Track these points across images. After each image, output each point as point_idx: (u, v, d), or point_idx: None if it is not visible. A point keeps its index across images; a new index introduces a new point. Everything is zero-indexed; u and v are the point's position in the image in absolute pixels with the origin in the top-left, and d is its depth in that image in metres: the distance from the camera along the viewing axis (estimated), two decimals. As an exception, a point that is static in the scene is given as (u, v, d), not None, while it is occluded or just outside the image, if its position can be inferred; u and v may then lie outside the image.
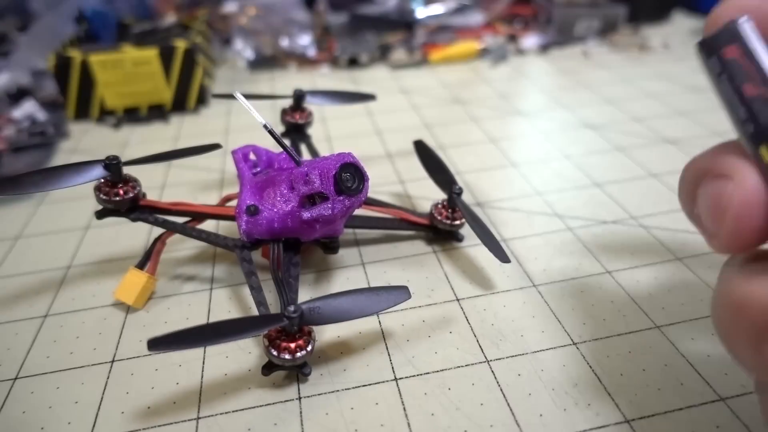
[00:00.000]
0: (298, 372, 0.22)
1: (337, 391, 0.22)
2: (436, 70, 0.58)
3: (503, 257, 0.26)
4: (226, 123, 0.48)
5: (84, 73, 0.47)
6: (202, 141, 0.30)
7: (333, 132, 0.45)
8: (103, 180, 0.26)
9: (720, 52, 0.14)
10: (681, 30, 0.67)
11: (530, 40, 0.62)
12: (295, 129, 0.34)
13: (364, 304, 0.22)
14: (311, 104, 0.35)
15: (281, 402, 0.22)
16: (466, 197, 0.33)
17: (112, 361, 0.24)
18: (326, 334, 0.25)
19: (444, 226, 0.29)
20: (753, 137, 0.14)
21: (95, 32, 0.54)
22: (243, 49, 0.61)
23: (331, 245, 0.28)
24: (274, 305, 0.26)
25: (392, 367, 0.23)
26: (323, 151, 0.38)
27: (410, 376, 0.22)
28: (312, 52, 0.61)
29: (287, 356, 0.21)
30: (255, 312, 0.25)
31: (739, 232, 0.14)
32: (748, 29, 0.14)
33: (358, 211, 0.29)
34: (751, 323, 0.14)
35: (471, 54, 0.60)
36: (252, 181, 0.27)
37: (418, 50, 0.60)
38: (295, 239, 0.26)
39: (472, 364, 0.23)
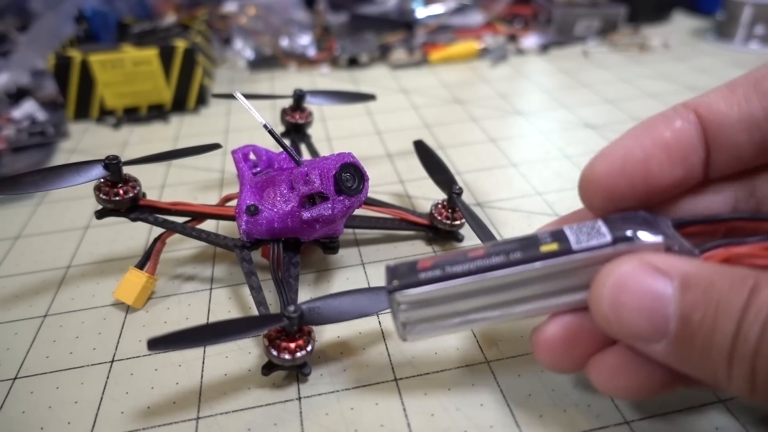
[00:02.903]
0: (298, 372, 0.22)
1: (337, 391, 0.22)
2: (436, 70, 0.58)
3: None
4: (226, 123, 0.48)
5: (84, 73, 0.47)
6: (202, 141, 0.30)
7: (333, 132, 0.45)
8: (102, 180, 0.26)
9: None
10: (681, 30, 0.67)
11: (530, 40, 0.62)
12: (295, 129, 0.34)
13: (364, 304, 0.22)
14: (311, 104, 0.35)
15: (281, 402, 0.22)
16: (466, 197, 0.33)
17: (112, 361, 0.24)
18: (326, 334, 0.25)
19: (444, 226, 0.29)
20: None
21: (95, 32, 0.54)
22: (243, 49, 0.61)
23: (331, 245, 0.28)
24: (274, 305, 0.26)
25: (392, 367, 0.23)
26: (323, 151, 0.38)
27: (410, 376, 0.22)
28: (312, 52, 0.61)
29: (287, 356, 0.21)
30: (255, 312, 0.24)
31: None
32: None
33: (358, 211, 0.29)
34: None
35: (471, 54, 0.60)
36: (252, 181, 0.27)
37: (418, 50, 0.60)
38: (295, 239, 0.26)
39: (472, 365, 0.23)
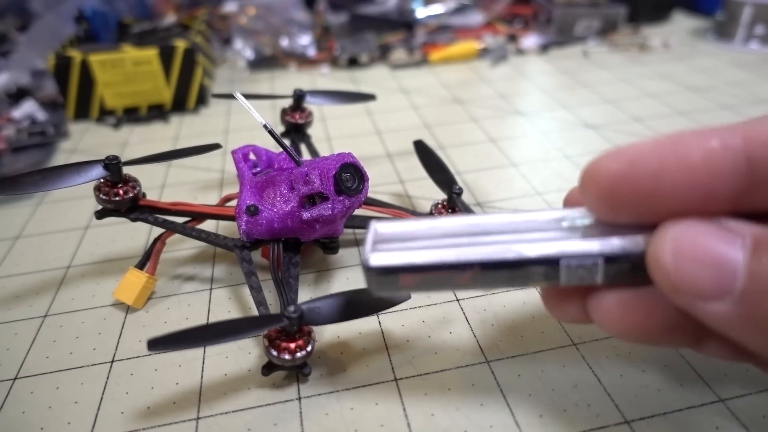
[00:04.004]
0: (297, 372, 0.22)
1: (337, 391, 0.22)
2: (436, 70, 0.58)
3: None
4: (226, 123, 0.48)
5: (84, 73, 0.47)
6: (202, 141, 0.30)
7: (333, 132, 0.45)
8: (102, 180, 0.26)
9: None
10: (681, 30, 0.67)
11: (530, 40, 0.62)
12: (295, 129, 0.34)
13: (364, 304, 0.22)
14: (311, 104, 0.35)
15: (281, 402, 0.22)
16: (466, 197, 0.33)
17: (112, 361, 0.24)
18: (326, 334, 0.25)
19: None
20: None
21: (95, 32, 0.54)
22: (243, 49, 0.61)
23: (331, 245, 0.28)
24: (273, 305, 0.26)
25: (392, 368, 0.23)
26: (323, 151, 0.38)
27: (410, 377, 0.22)
28: (312, 52, 0.61)
29: (287, 356, 0.21)
30: (255, 312, 0.25)
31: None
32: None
33: (358, 211, 0.29)
34: None
35: (471, 54, 0.60)
36: (252, 181, 0.27)
37: (418, 50, 0.60)
38: (295, 239, 0.26)
39: (472, 365, 0.23)
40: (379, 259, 0.16)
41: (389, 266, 0.16)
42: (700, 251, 0.14)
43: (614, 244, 0.15)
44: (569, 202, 0.19)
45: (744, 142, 0.14)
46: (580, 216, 0.16)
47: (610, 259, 0.15)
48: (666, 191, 0.14)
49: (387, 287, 0.16)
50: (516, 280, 0.16)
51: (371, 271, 0.16)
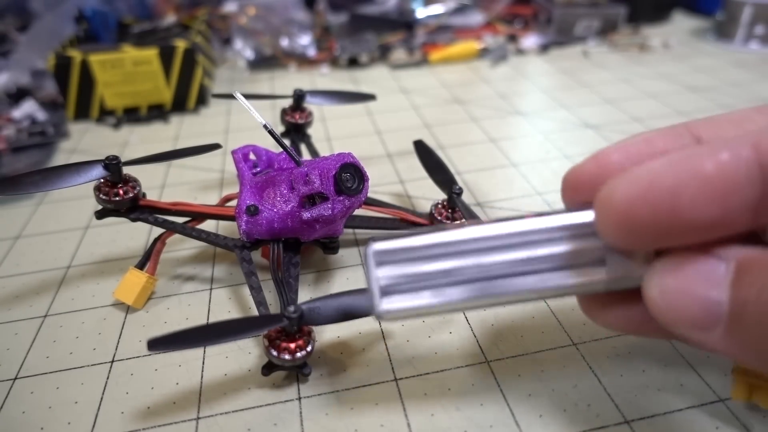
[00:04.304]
0: (297, 372, 0.22)
1: (337, 391, 0.22)
2: (436, 70, 0.58)
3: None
4: (226, 123, 0.48)
5: (84, 73, 0.47)
6: (202, 141, 0.30)
7: (333, 132, 0.45)
8: (102, 180, 0.26)
9: None
10: (681, 30, 0.67)
11: (530, 40, 0.62)
12: (295, 129, 0.34)
13: (364, 304, 0.22)
14: (311, 104, 0.35)
15: (281, 402, 0.22)
16: (466, 197, 0.33)
17: (112, 362, 0.24)
18: (326, 334, 0.25)
19: (444, 226, 0.29)
20: None
21: (95, 32, 0.54)
22: (243, 49, 0.61)
23: (331, 245, 0.28)
24: (273, 305, 0.26)
25: (392, 368, 0.23)
26: (323, 151, 0.38)
27: (410, 377, 0.22)
28: (312, 52, 0.61)
29: (287, 356, 0.21)
30: (255, 312, 0.25)
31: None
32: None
33: (358, 211, 0.29)
34: None
35: (471, 54, 0.60)
36: (252, 181, 0.27)
37: (418, 50, 0.60)
38: (295, 239, 0.26)
39: (472, 365, 0.23)
40: (390, 304, 0.16)
41: (401, 310, 0.16)
42: (684, 289, 0.14)
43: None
44: (572, 191, 0.18)
45: (755, 151, 0.14)
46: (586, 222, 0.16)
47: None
48: (685, 208, 0.14)
49: (397, 319, 0.17)
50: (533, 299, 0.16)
51: (384, 316, 0.16)
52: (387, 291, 0.16)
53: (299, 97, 0.34)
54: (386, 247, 0.16)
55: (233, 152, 0.29)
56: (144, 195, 0.28)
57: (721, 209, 0.14)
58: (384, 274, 0.16)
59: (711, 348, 0.15)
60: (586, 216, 0.16)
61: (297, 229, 0.25)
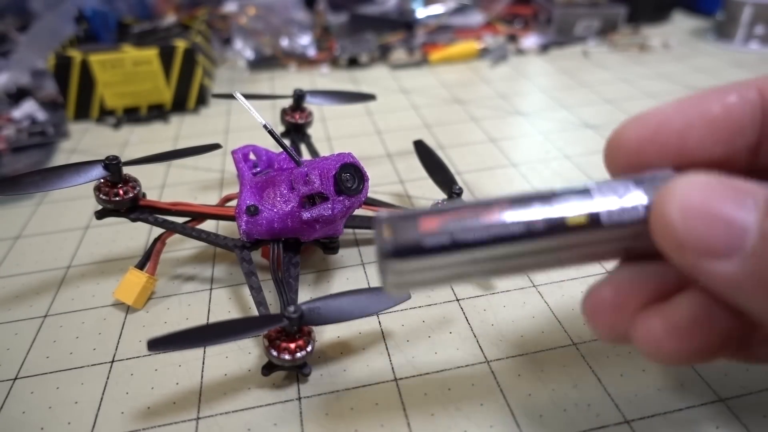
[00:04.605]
0: (297, 372, 0.22)
1: (337, 391, 0.22)
2: (436, 70, 0.58)
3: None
4: (226, 123, 0.48)
5: (84, 73, 0.47)
6: (202, 141, 0.30)
7: (333, 132, 0.45)
8: (102, 180, 0.26)
9: None
10: (681, 30, 0.67)
11: (530, 40, 0.62)
12: (295, 129, 0.34)
13: (364, 304, 0.22)
14: (311, 104, 0.35)
15: (281, 402, 0.22)
16: (466, 197, 0.33)
17: (112, 362, 0.24)
18: (326, 334, 0.25)
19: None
20: None
21: (95, 32, 0.54)
22: (243, 49, 0.61)
23: (331, 245, 0.28)
24: (274, 305, 0.26)
25: (392, 368, 0.23)
26: (323, 151, 0.38)
27: (410, 377, 0.22)
28: (312, 52, 0.61)
29: (287, 356, 0.21)
30: (255, 312, 0.25)
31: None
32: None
33: (358, 211, 0.29)
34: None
35: (471, 54, 0.60)
36: (252, 181, 0.27)
37: (418, 50, 0.60)
38: (295, 239, 0.26)
39: (472, 365, 0.23)
40: (401, 292, 0.14)
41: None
42: (711, 207, 0.13)
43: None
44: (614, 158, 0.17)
45: (759, 95, 0.15)
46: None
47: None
48: (692, 148, 0.15)
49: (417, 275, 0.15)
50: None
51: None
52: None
53: (299, 97, 0.34)
54: (405, 249, 0.14)
55: (233, 152, 0.29)
56: (144, 195, 0.28)
57: (727, 150, 0.15)
58: (397, 266, 0.14)
59: (715, 281, 0.13)
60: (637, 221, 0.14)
61: (297, 229, 0.25)
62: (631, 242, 0.15)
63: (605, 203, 0.14)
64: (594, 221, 0.14)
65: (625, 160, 0.16)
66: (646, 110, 0.16)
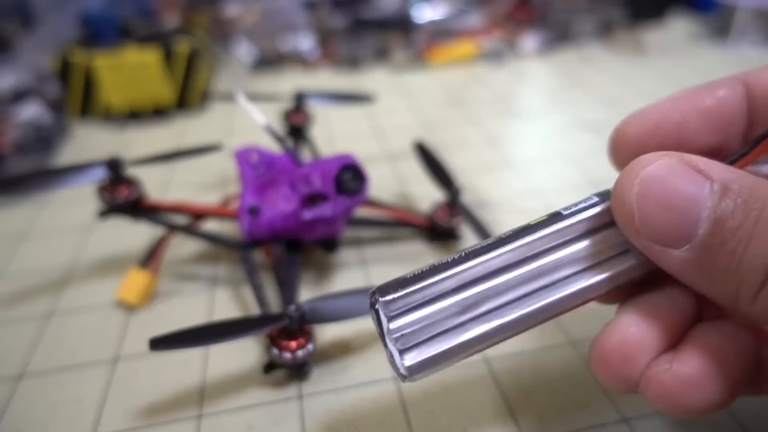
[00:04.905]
0: (298, 371, 0.23)
1: (338, 389, 0.22)
2: (436, 73, 0.58)
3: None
4: (227, 124, 0.48)
5: (87, 75, 0.48)
6: (204, 142, 0.30)
7: (334, 133, 0.45)
8: (105, 180, 0.27)
9: None
10: (679, 31, 0.67)
11: (529, 43, 0.62)
12: (296, 130, 0.35)
13: (364, 303, 0.22)
14: (312, 106, 0.35)
15: (282, 400, 0.22)
16: (465, 198, 0.33)
17: (115, 360, 0.24)
18: (327, 333, 0.25)
19: (444, 227, 0.30)
20: None
21: (98, 34, 0.54)
22: (245, 51, 0.62)
23: (331, 245, 0.28)
24: (275, 305, 0.26)
25: (392, 366, 0.23)
26: (324, 151, 0.38)
27: (410, 375, 0.23)
28: (313, 55, 0.61)
29: (288, 355, 0.21)
30: (256, 311, 0.25)
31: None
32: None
33: (359, 211, 0.29)
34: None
35: (470, 56, 0.60)
36: (254, 181, 0.27)
37: (418, 53, 0.60)
38: (296, 239, 0.26)
39: (472, 364, 0.23)
40: (412, 359, 0.14)
41: (426, 361, 0.14)
42: (667, 195, 0.13)
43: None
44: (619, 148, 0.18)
45: (744, 87, 0.16)
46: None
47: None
48: (689, 139, 0.16)
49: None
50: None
51: (410, 374, 0.14)
52: (406, 346, 0.14)
53: (300, 98, 0.34)
54: (393, 296, 0.14)
55: (235, 153, 0.29)
56: (146, 195, 0.28)
57: (721, 138, 0.16)
58: (397, 326, 0.14)
59: (669, 266, 0.14)
60: (596, 209, 0.15)
61: (298, 229, 0.26)
62: (604, 248, 0.15)
63: (564, 207, 0.15)
64: (555, 215, 0.15)
65: (629, 154, 0.16)
66: (644, 107, 0.17)
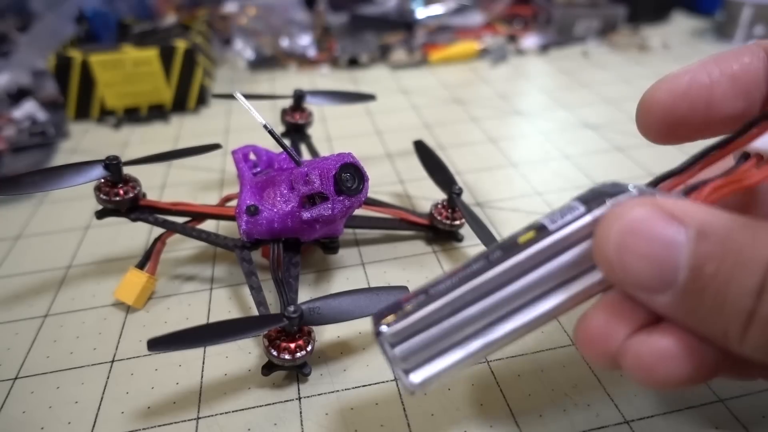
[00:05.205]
0: (297, 372, 0.22)
1: (337, 391, 0.22)
2: (436, 71, 0.58)
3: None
4: (226, 123, 0.48)
5: (84, 74, 0.47)
6: (203, 141, 0.30)
7: (333, 132, 0.45)
8: (103, 180, 0.26)
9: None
10: (680, 30, 0.67)
11: (530, 41, 0.62)
12: (295, 129, 0.34)
13: (364, 304, 0.22)
14: (311, 104, 0.35)
15: (281, 402, 0.22)
16: (466, 197, 0.33)
17: (112, 361, 0.24)
18: (326, 334, 0.25)
19: (444, 226, 0.29)
20: None
21: (95, 32, 0.54)
22: (243, 50, 0.61)
23: (331, 245, 0.28)
24: (274, 305, 0.26)
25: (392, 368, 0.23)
26: (323, 151, 0.38)
27: (410, 376, 0.22)
28: (312, 53, 0.61)
29: (287, 356, 0.21)
30: (255, 312, 0.25)
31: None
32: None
33: (358, 211, 0.29)
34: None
35: (471, 54, 0.60)
36: (252, 181, 0.27)
37: (418, 50, 0.60)
38: (295, 239, 0.26)
39: (472, 365, 0.23)
40: (418, 377, 0.15)
41: (432, 377, 0.15)
42: (644, 245, 0.14)
43: None
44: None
45: (766, 54, 0.17)
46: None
47: None
48: (717, 102, 0.17)
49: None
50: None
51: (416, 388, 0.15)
52: (410, 367, 0.15)
53: (299, 97, 0.34)
54: (396, 328, 0.15)
55: (233, 152, 0.29)
56: (144, 195, 0.28)
57: (746, 102, 0.17)
58: (401, 351, 0.15)
59: (655, 308, 0.14)
60: (581, 221, 0.15)
61: (297, 229, 0.25)
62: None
63: (549, 219, 0.15)
64: (541, 229, 0.15)
65: (660, 116, 0.18)
66: (673, 71, 0.18)
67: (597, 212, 0.15)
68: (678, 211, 0.14)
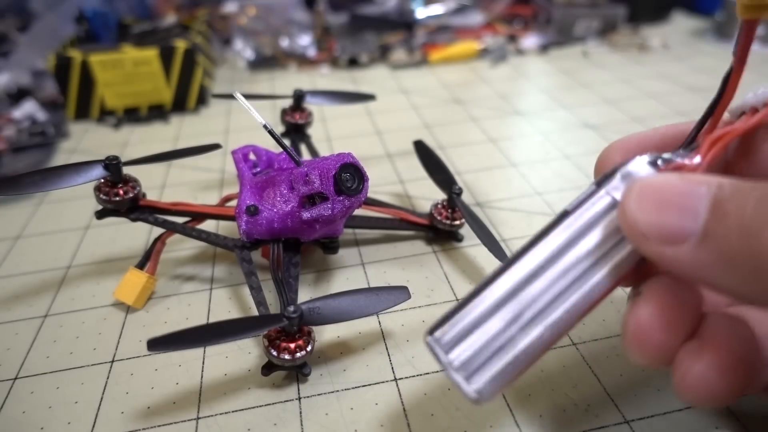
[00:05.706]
0: (297, 372, 0.22)
1: (337, 391, 0.22)
2: (436, 71, 0.58)
3: (502, 257, 0.26)
4: (226, 123, 0.48)
5: (84, 73, 0.47)
6: (202, 141, 0.30)
7: (333, 132, 0.45)
8: (103, 180, 0.26)
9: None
10: (680, 30, 0.67)
11: (530, 40, 0.62)
12: (295, 129, 0.34)
13: (363, 304, 0.22)
14: (311, 104, 0.35)
15: (281, 402, 0.22)
16: (465, 197, 0.33)
17: (112, 361, 0.24)
18: (326, 334, 0.25)
19: (444, 226, 0.29)
20: None
21: (95, 32, 0.54)
22: (243, 50, 0.61)
23: (331, 245, 0.28)
24: (273, 305, 0.26)
25: (392, 368, 0.23)
26: (323, 151, 0.38)
27: (410, 377, 0.22)
28: (312, 52, 0.61)
29: (287, 356, 0.21)
30: (255, 312, 0.25)
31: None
32: None
33: (358, 211, 0.29)
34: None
35: (471, 54, 0.60)
36: (252, 181, 0.27)
37: (417, 50, 0.60)
38: (295, 239, 0.26)
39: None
40: (477, 383, 0.15)
41: (491, 381, 0.15)
42: (664, 194, 0.14)
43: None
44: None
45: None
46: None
47: None
48: (669, 141, 0.19)
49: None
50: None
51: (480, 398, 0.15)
52: (468, 373, 0.15)
53: (299, 97, 0.34)
54: (443, 329, 0.15)
55: (233, 152, 0.29)
56: (144, 195, 0.28)
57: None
58: (455, 356, 0.15)
59: (679, 266, 0.14)
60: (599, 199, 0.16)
61: (297, 229, 0.25)
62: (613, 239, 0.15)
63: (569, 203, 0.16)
64: (563, 213, 0.16)
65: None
66: (628, 134, 0.20)
67: (610, 186, 0.15)
68: (700, 177, 0.14)
